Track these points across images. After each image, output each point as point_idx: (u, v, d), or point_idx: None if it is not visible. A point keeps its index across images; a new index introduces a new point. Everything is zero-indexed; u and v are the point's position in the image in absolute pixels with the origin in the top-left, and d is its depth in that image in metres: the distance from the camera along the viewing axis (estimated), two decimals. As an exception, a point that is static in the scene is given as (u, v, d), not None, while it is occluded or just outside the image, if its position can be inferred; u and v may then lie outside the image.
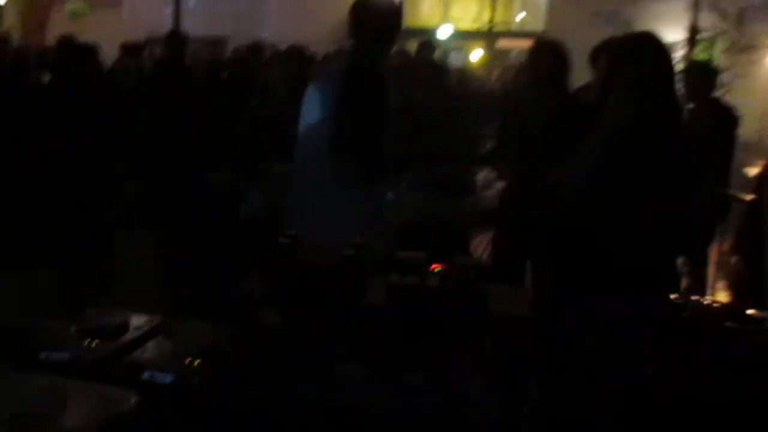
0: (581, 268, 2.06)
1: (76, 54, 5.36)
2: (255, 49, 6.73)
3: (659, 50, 2.12)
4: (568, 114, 2.54)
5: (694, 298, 1.66)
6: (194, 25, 7.62)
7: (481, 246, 4.14)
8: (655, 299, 1.65)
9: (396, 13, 2.75)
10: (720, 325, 1.47)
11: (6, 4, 11.41)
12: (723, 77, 10.07)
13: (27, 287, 3.69)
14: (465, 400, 1.26)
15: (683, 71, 4.57)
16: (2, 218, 4.73)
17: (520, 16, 16.92)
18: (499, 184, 4.40)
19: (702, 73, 4.55)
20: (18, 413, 1.33)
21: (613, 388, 1.36)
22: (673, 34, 9.52)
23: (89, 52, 5.43)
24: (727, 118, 4.36)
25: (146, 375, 1.56)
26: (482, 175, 4.45)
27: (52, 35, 10.88)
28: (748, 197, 3.99)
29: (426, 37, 14.93)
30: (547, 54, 3.56)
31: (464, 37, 15.52)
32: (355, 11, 2.66)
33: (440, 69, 6.57)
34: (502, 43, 15.55)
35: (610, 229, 2.04)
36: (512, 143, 3.64)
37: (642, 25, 11.10)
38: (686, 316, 1.51)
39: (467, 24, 16.61)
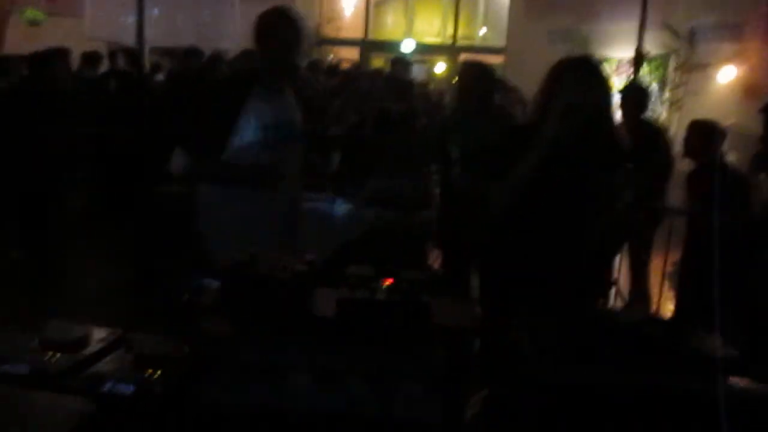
0: (517, 280, 2.20)
1: (47, 58, 5.40)
2: (215, 58, 6.79)
3: (592, 72, 2.25)
4: (502, 132, 2.68)
5: (621, 307, 1.79)
6: (156, 36, 7.62)
7: (437, 259, 4.26)
8: (584, 308, 1.78)
9: (297, 25, 2.74)
10: (643, 331, 1.62)
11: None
12: (676, 93, 10.45)
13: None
14: (407, 404, 1.36)
15: (620, 92, 4.83)
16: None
17: (482, 32, 17.23)
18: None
19: (635, 95, 4.84)
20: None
21: (547, 390, 1.48)
22: (627, 52, 9.84)
23: (62, 54, 5.49)
24: (655, 138, 4.66)
25: (107, 386, 1.62)
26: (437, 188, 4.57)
27: (10, 44, 10.74)
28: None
29: (388, 50, 15.13)
30: (474, 75, 3.73)
31: (427, 51, 15.75)
32: (259, 21, 2.81)
33: (409, 84, 6.71)
34: (465, 58, 15.82)
35: (543, 242, 2.20)
36: (447, 160, 3.80)
37: (598, 42, 11.43)
38: (613, 324, 1.65)
39: (430, 38, 16.85)
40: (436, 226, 3.85)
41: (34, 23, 11.15)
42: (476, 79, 3.67)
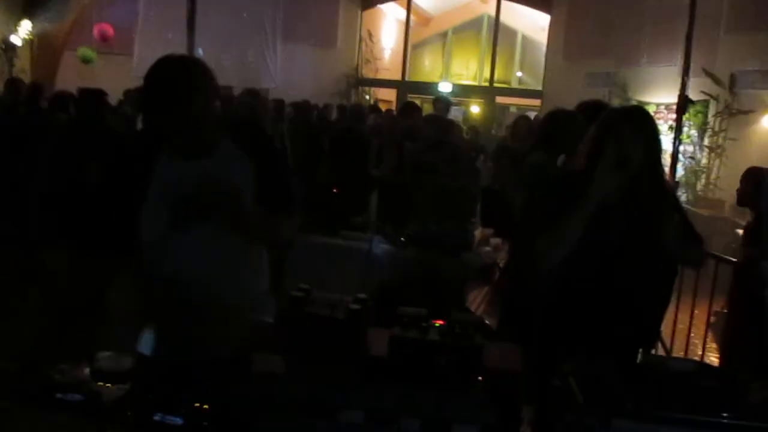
0: (569, 326, 2.19)
1: (90, 98, 5.69)
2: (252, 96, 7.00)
3: (646, 123, 2.26)
4: (551, 181, 2.67)
5: (672, 357, 1.76)
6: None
7: (476, 301, 4.23)
8: (633, 357, 1.75)
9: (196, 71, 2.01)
10: (695, 383, 1.58)
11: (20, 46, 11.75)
12: (716, 140, 10.34)
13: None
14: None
15: None
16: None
17: (519, 75, 17.37)
18: (494, 241, 4.53)
19: None
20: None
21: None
22: (667, 97, 9.80)
23: (100, 95, 5.77)
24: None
25: (157, 417, 1.64)
26: (478, 231, 4.58)
27: (62, 79, 11.19)
28: (734, 259, 4.15)
29: (424, 91, 15.31)
30: (563, 123, 3.62)
31: (463, 92, 15.92)
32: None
33: (450, 123, 6.70)
34: (501, 100, 15.95)
35: (595, 290, 2.18)
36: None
37: (637, 87, 11.42)
38: (660, 374, 1.62)
39: (467, 81, 17.03)
40: (490, 268, 3.79)
41: (86, 61, 11.60)
42: (566, 126, 3.55)
